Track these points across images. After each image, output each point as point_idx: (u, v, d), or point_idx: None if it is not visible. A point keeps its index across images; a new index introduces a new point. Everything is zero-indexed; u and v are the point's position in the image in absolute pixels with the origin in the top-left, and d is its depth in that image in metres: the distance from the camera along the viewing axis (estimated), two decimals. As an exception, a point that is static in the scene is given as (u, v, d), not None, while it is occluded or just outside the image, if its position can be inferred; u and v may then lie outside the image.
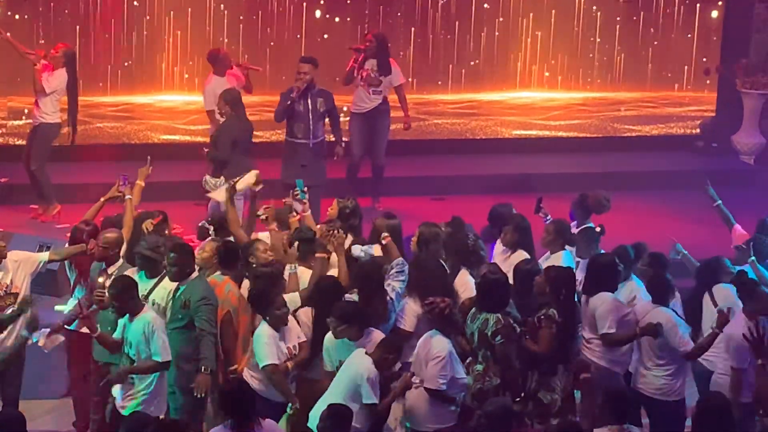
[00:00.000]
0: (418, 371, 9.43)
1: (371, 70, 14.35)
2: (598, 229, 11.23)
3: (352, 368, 9.21)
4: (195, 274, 9.88)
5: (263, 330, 9.54)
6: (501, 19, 19.26)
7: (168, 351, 9.39)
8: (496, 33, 19.29)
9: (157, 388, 9.45)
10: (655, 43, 19.70)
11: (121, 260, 10.29)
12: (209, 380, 9.55)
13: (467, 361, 9.58)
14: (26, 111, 14.88)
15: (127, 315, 9.47)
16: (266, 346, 9.46)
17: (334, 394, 9.15)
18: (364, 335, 9.42)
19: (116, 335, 9.61)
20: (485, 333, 9.50)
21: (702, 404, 8.78)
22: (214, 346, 9.69)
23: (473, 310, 9.67)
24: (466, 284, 10.20)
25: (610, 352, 10.00)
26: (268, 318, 9.56)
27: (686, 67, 19.83)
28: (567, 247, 10.98)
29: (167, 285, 9.97)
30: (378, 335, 9.45)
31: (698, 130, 17.95)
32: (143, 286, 9.91)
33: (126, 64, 18.18)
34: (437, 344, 9.37)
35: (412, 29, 19.00)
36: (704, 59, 19.41)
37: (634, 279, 10.60)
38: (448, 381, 9.32)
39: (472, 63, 19.30)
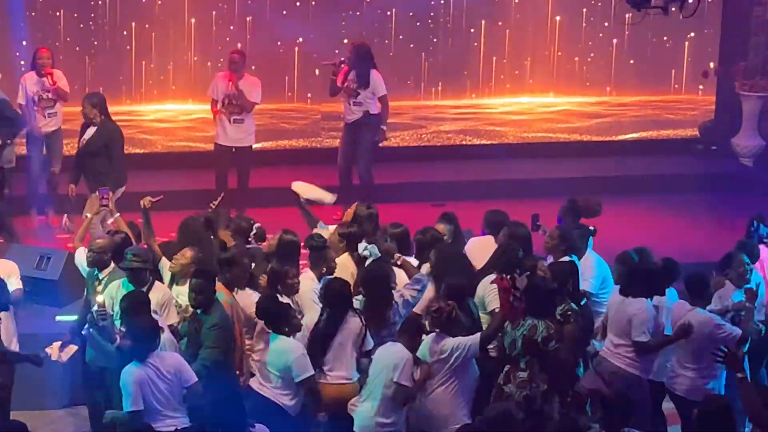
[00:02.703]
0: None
1: (351, 81, 14.30)
2: (591, 228, 11.25)
3: (386, 358, 9.34)
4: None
5: (290, 344, 9.50)
6: (500, 24, 19.27)
7: None
8: (496, 38, 19.29)
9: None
10: (654, 45, 19.70)
11: (112, 265, 10.33)
12: None
13: (506, 368, 9.55)
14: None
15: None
16: (301, 358, 9.46)
17: (374, 389, 9.32)
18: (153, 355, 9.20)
19: None
20: (534, 339, 9.46)
21: (702, 406, 8.79)
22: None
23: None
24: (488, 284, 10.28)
25: (640, 358, 9.96)
26: (287, 330, 9.55)
27: (685, 70, 19.84)
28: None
29: (157, 292, 10.01)
30: (172, 357, 9.27)
31: (697, 133, 17.96)
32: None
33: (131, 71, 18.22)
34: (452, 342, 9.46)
35: (412, 34, 19.00)
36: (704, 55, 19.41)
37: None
38: None
39: (471, 68, 19.30)
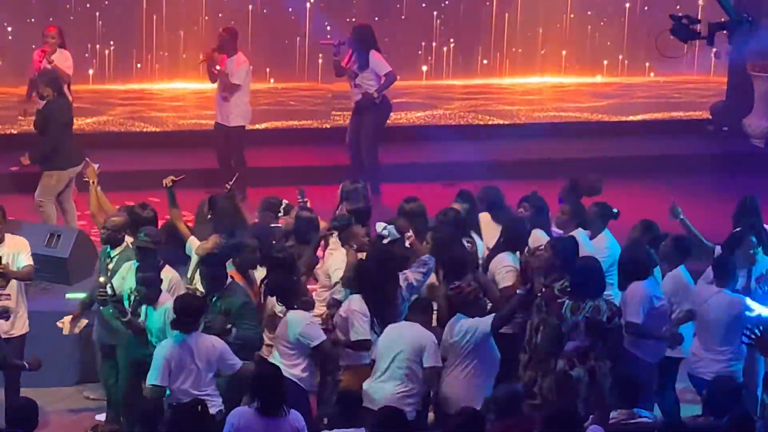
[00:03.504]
0: (447, 356, 9.55)
1: (352, 63, 14.23)
2: (615, 210, 11.23)
3: (408, 340, 9.36)
4: (228, 281, 9.79)
5: (299, 314, 9.57)
6: (513, 4, 19.24)
7: None
8: (507, 18, 19.26)
9: None
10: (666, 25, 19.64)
11: (125, 243, 10.37)
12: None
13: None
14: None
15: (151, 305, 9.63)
16: (310, 326, 9.53)
17: (390, 368, 9.34)
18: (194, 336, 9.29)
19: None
20: (599, 320, 9.48)
21: (712, 386, 8.83)
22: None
23: (570, 303, 9.57)
24: (504, 263, 10.31)
25: (643, 341, 9.92)
26: (296, 306, 9.61)
27: (696, 50, 19.77)
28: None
29: (166, 274, 10.03)
30: (212, 341, 9.31)
31: (709, 114, 17.93)
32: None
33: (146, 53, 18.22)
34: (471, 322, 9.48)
35: (429, 15, 18.98)
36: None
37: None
38: None
39: (484, 48, 19.27)
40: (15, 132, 15.81)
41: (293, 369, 9.52)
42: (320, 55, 18.15)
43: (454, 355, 9.53)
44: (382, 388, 9.39)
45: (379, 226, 10.43)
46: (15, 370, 9.96)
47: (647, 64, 19.63)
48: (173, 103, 17.73)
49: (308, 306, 9.84)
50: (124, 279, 10.08)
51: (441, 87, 18.91)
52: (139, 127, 16.57)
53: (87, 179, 11.14)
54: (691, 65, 19.84)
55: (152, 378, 9.12)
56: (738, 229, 10.92)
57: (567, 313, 9.56)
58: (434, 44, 18.97)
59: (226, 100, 14.26)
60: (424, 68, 18.92)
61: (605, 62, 19.73)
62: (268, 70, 18.12)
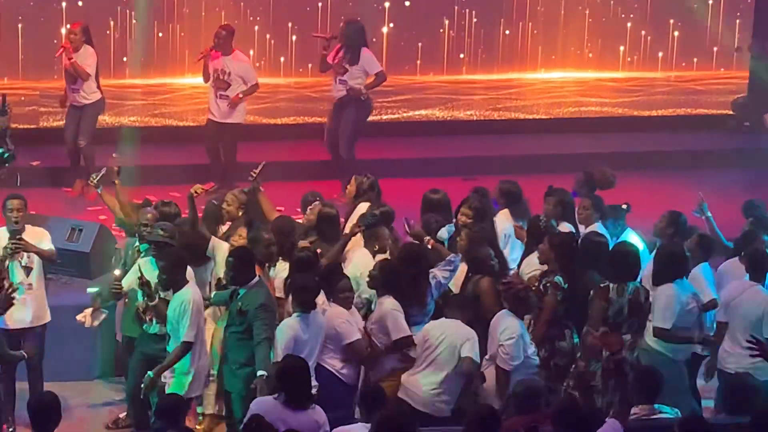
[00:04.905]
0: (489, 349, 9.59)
1: (341, 58, 14.25)
2: (624, 207, 11.23)
3: (452, 335, 9.42)
4: (255, 279, 9.75)
5: (337, 310, 9.58)
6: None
7: (193, 333, 9.51)
8: (527, 11, 19.21)
9: (193, 368, 9.61)
10: (687, 21, 19.60)
11: None
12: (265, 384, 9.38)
13: (600, 330, 9.55)
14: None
15: (171, 290, 9.68)
16: (346, 324, 9.55)
17: (428, 365, 9.40)
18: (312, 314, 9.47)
19: None
20: (640, 301, 9.62)
21: (730, 384, 8.82)
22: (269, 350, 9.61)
23: (615, 286, 9.60)
24: (535, 264, 10.31)
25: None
26: (333, 302, 9.64)
27: (718, 45, 19.73)
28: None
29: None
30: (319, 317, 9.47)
31: (730, 110, 17.87)
32: (155, 273, 9.97)
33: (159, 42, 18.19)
34: (510, 325, 9.49)
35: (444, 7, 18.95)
36: (737, 33, 19.31)
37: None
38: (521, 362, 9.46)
39: (502, 42, 19.23)
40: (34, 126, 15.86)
41: (333, 361, 9.57)
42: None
43: (496, 351, 9.53)
44: (419, 384, 9.47)
45: (442, 233, 10.47)
46: (12, 361, 9.97)
47: (672, 58, 19.58)
48: (193, 99, 17.73)
49: (348, 303, 9.79)
50: (137, 274, 10.12)
51: (460, 81, 18.86)
52: (158, 122, 16.56)
53: (92, 182, 11.13)
54: (713, 60, 19.78)
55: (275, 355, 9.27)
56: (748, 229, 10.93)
57: (614, 296, 9.59)
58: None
59: (224, 98, 14.24)
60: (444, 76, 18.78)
61: (628, 57, 19.68)
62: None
